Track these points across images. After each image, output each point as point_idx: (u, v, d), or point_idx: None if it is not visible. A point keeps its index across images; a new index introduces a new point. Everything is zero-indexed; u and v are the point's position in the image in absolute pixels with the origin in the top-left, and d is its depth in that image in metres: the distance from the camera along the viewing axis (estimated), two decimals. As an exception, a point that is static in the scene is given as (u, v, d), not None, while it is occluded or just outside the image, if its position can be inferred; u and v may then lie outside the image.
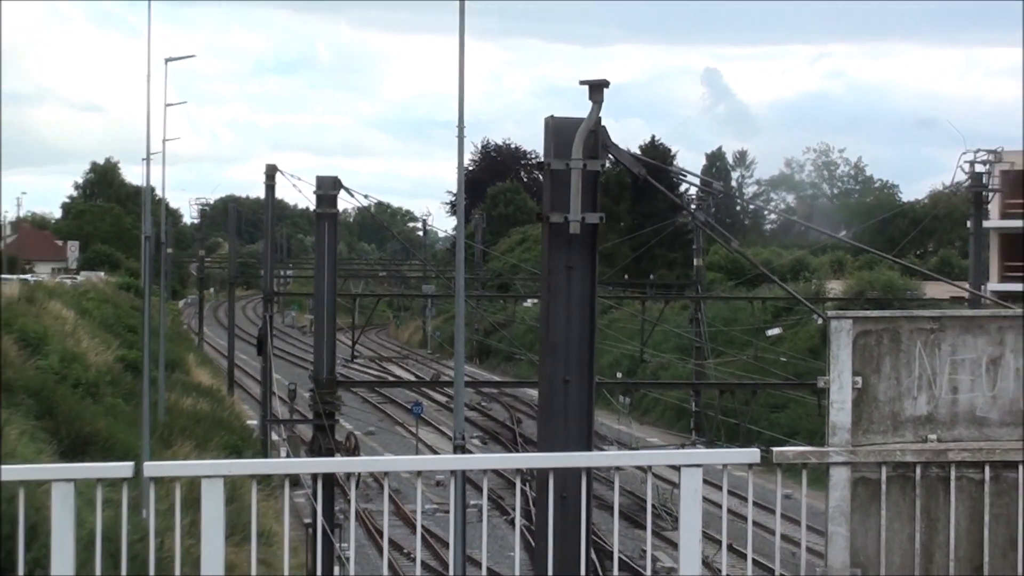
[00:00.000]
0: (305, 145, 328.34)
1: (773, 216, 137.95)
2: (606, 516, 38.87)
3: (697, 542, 7.79)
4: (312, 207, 30.70)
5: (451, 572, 27.41)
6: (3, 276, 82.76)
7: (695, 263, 64.05)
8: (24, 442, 29.05)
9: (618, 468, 8.48)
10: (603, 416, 58.62)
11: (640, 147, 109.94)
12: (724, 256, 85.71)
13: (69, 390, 41.71)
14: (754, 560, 33.25)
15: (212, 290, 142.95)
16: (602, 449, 47.56)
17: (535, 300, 69.48)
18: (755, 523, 8.50)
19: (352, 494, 9.75)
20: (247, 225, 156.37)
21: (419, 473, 8.18)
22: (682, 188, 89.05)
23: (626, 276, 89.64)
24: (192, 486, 7.43)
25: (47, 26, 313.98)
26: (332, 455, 28.70)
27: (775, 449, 8.15)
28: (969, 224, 49.11)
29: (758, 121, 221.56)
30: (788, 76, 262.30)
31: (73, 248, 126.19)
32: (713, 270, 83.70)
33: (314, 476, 8.56)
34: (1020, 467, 8.38)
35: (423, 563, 39.83)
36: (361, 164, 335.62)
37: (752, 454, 7.91)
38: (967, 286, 43.08)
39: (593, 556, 28.13)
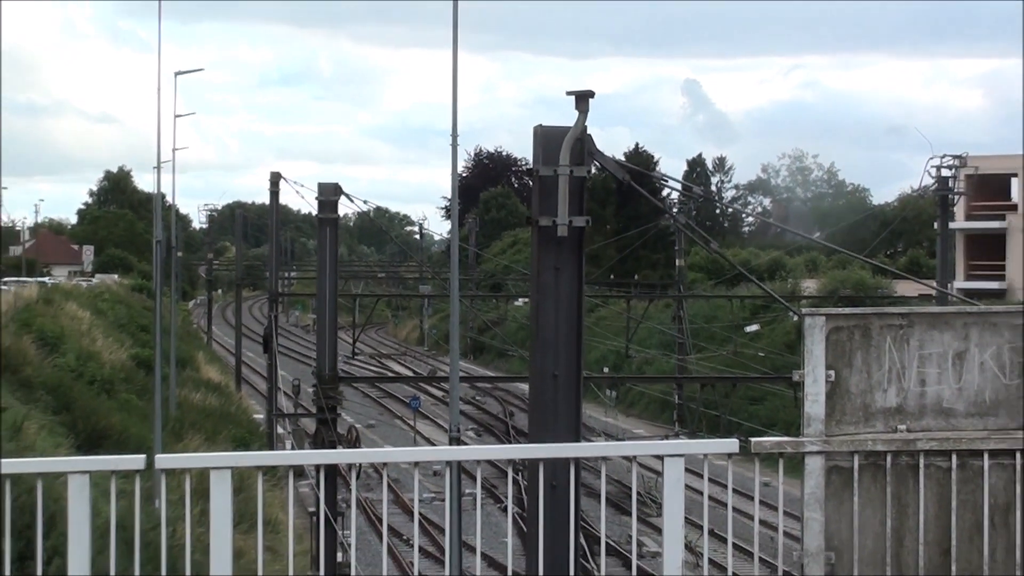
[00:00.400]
0: (308, 153, 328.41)
1: (751, 219, 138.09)
2: (594, 503, 38.88)
3: (680, 527, 7.79)
4: (314, 212, 30.64)
5: (447, 557, 27.40)
6: (22, 279, 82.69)
7: (677, 263, 64.02)
8: (43, 436, 29.02)
9: (605, 458, 8.47)
10: (591, 409, 58.62)
11: (624, 154, 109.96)
12: (704, 257, 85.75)
13: (85, 387, 41.66)
14: (734, 544, 33.29)
15: (220, 291, 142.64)
16: (590, 440, 47.54)
17: (525, 299, 69.44)
18: (735, 509, 8.51)
19: (353, 484, 9.74)
20: (253, 229, 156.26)
21: (417, 464, 8.17)
22: (664, 193, 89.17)
23: (612, 276, 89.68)
24: (202, 477, 7.42)
25: (64, 42, 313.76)
26: (334, 447, 28.65)
27: (753, 439, 8.14)
28: (936, 225, 49.19)
29: (736, 129, 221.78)
30: (764, 86, 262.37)
31: (88, 252, 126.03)
32: (694, 270, 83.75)
33: (317, 467, 8.54)
34: (985, 455, 8.39)
35: (421, 548, 39.82)
36: (361, 171, 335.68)
37: (731, 444, 7.91)
38: (934, 284, 43.13)
39: (582, 541, 28.11)
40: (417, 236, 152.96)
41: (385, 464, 8.10)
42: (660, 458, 7.79)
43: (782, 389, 53.45)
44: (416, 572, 31.21)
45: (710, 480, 7.94)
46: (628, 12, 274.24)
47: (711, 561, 35.47)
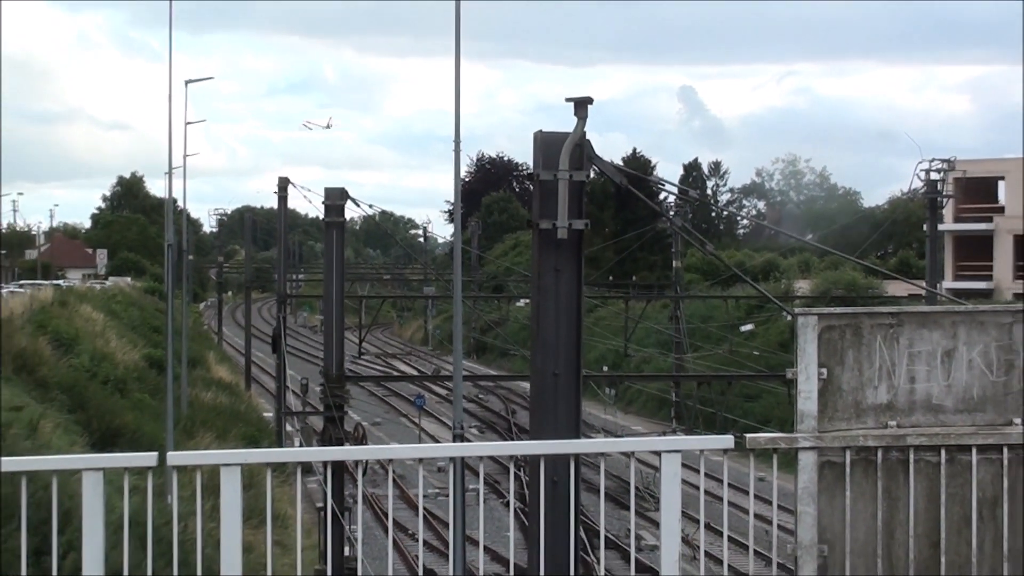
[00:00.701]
0: (315, 159, 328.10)
1: (745, 221, 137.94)
2: (594, 498, 38.86)
3: (677, 521, 7.79)
4: (321, 216, 30.65)
5: (451, 551, 27.42)
6: (38, 282, 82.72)
7: (674, 265, 64.00)
8: (58, 434, 29.02)
9: (604, 454, 8.48)
10: (590, 406, 58.58)
11: (622, 159, 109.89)
12: (700, 259, 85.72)
13: (99, 386, 41.68)
14: (730, 537, 33.24)
15: (230, 293, 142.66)
16: (590, 437, 47.56)
17: (526, 300, 69.41)
18: (730, 504, 8.49)
19: (360, 480, 9.72)
20: (262, 233, 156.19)
21: (421, 460, 8.17)
22: (661, 196, 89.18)
23: (610, 277, 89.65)
24: (212, 474, 7.42)
25: (77, 51, 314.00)
26: (341, 444, 28.64)
27: (748, 436, 8.14)
28: (925, 227, 49.16)
29: (731, 134, 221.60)
30: (757, 93, 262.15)
31: (102, 255, 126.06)
32: (691, 271, 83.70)
33: (325, 464, 8.55)
34: (973, 450, 8.38)
35: (425, 542, 39.83)
36: (366, 176, 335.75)
37: (727, 440, 7.91)
38: (924, 284, 43.11)
39: (582, 535, 28.09)
40: (421, 239, 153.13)
41: (391, 460, 8.11)
42: (658, 454, 7.79)
43: (776, 387, 53.40)
44: (421, 565, 31.19)
45: (706, 475, 7.94)
46: (626, 20, 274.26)
47: (708, 554, 35.45)
